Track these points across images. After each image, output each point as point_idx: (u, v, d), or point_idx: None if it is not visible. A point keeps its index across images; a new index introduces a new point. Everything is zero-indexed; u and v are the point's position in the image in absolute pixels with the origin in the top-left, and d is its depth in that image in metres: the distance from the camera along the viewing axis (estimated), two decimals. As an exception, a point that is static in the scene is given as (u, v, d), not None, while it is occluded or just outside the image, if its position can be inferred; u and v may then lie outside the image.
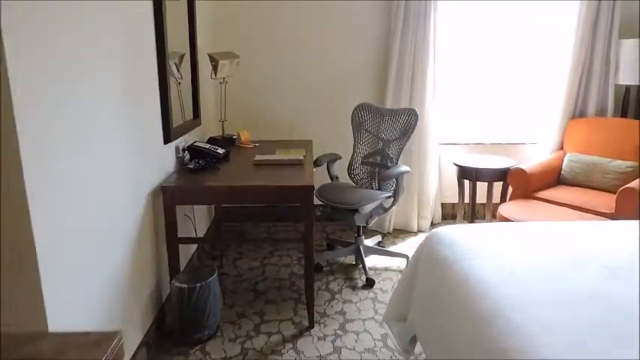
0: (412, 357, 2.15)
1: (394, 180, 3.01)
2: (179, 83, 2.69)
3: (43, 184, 1.34)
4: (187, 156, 2.69)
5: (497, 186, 3.58)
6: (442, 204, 3.94)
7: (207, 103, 3.39)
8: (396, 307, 2.14)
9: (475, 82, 3.81)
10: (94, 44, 1.67)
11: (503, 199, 3.58)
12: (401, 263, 3.18)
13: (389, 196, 3.00)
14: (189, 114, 2.91)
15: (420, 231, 3.78)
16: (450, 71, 3.72)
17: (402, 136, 3.07)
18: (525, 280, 1.60)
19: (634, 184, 2.84)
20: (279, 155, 2.87)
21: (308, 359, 2.21)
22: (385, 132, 3.19)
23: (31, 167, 1.28)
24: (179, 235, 2.38)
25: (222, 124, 3.33)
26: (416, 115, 3.03)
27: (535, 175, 3.27)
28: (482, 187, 3.58)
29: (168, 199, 2.30)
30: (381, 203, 2.99)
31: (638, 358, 1.21)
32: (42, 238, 1.33)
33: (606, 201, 2.98)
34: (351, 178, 3.34)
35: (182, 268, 2.51)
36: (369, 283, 2.90)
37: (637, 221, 2.11)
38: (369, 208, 2.88)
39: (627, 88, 3.57)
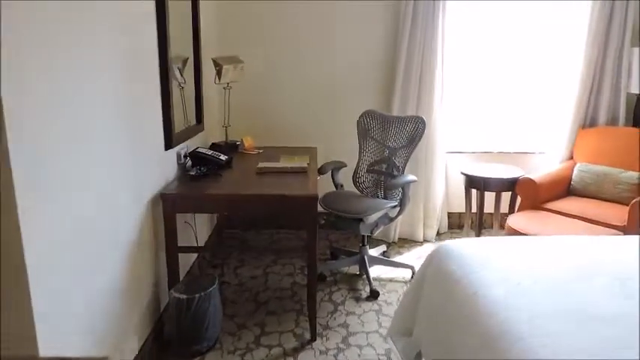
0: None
1: (400, 189, 2.94)
2: (182, 87, 2.64)
3: (35, 197, 1.29)
4: (189, 162, 2.63)
5: (505, 196, 3.50)
6: (449, 213, 3.87)
7: (211, 108, 3.34)
8: (402, 321, 2.08)
9: (483, 89, 3.75)
10: (93, 44, 1.63)
11: (511, 209, 3.50)
12: (406, 274, 3.11)
13: (395, 206, 2.93)
14: (192, 119, 2.86)
15: (425, 241, 3.70)
16: (458, 77, 3.65)
17: (409, 144, 3.01)
18: (532, 292, 1.59)
19: (647, 196, 2.77)
20: (283, 162, 2.81)
21: (309, 374, 2.15)
22: (391, 140, 3.12)
23: (20, 177, 1.22)
24: (179, 244, 2.32)
25: (226, 130, 3.28)
26: (423, 123, 2.96)
27: (544, 186, 3.20)
28: (489, 196, 3.50)
29: (168, 207, 2.24)
30: (386, 212, 2.92)
31: (638, 358, 1.22)
32: (33, 250, 1.27)
33: (618, 213, 2.90)
34: (356, 186, 3.27)
35: (182, 276, 2.45)
36: (374, 295, 2.83)
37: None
38: (374, 217, 2.82)
39: (639, 97, 3.50)
